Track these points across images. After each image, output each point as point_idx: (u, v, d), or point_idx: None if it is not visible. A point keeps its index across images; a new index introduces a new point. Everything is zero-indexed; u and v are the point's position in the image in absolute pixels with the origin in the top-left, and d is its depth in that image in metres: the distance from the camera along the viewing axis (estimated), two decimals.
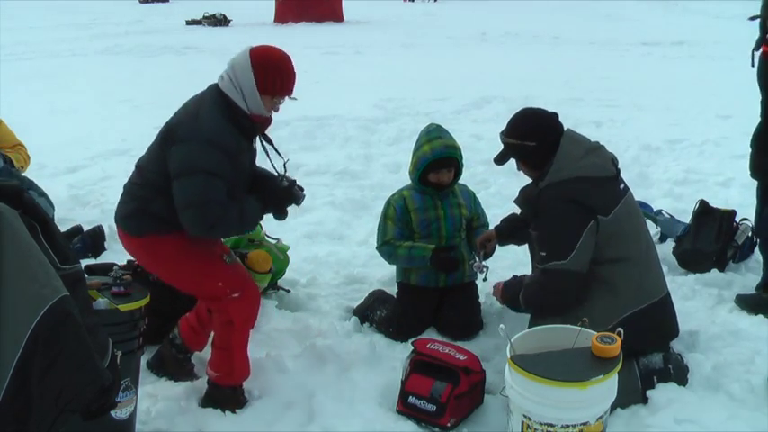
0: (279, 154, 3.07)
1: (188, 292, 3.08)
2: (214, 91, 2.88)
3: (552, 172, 2.96)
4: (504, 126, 3.17)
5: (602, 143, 3.16)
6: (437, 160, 3.52)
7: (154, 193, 2.87)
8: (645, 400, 2.87)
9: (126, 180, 3.06)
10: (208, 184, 2.74)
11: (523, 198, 3.15)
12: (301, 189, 3.07)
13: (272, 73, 2.82)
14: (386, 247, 3.63)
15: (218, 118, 2.78)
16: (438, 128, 3.64)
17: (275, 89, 2.84)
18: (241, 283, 2.95)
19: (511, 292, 3.17)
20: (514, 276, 3.31)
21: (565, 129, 3.11)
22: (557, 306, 2.96)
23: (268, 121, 2.96)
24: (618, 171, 3.06)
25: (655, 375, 2.92)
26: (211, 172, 2.73)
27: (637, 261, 2.96)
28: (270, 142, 3.08)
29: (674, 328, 3.12)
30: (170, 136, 2.80)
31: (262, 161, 3.12)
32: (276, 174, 3.08)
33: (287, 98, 2.93)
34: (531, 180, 3.17)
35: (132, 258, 3.75)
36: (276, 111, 2.94)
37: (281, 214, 3.07)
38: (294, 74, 2.91)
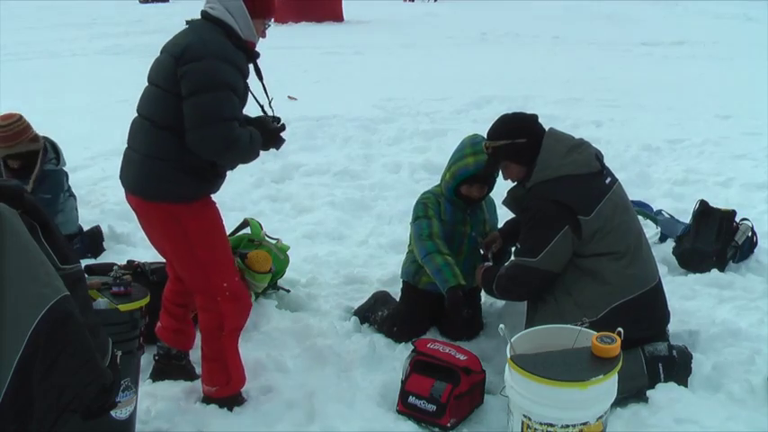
0: (266, 91, 2.97)
1: (188, 278, 2.91)
2: (203, 22, 2.81)
3: (537, 171, 3.02)
4: (486, 135, 3.20)
5: (601, 142, 3.17)
6: (477, 174, 3.42)
7: (181, 144, 2.68)
8: (651, 384, 2.91)
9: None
10: (229, 101, 2.68)
11: (512, 198, 3.22)
12: (283, 128, 2.99)
13: None
14: (430, 243, 3.44)
15: (224, 40, 2.75)
16: (484, 140, 3.43)
17: (263, 11, 2.86)
18: (241, 290, 2.96)
19: (488, 278, 3.24)
20: (496, 265, 3.37)
21: (547, 128, 3.16)
22: (518, 297, 3.27)
23: (256, 52, 2.91)
24: (602, 166, 3.09)
25: (660, 362, 2.95)
26: (231, 87, 2.69)
27: (624, 254, 3.00)
28: (260, 75, 2.97)
29: (666, 315, 3.17)
30: (182, 59, 2.66)
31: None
32: (265, 113, 2.99)
33: (272, 23, 2.94)
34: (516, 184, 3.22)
35: (132, 258, 3.76)
36: (263, 36, 2.92)
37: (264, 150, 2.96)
38: None
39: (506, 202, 3.26)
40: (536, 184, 3.02)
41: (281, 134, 2.98)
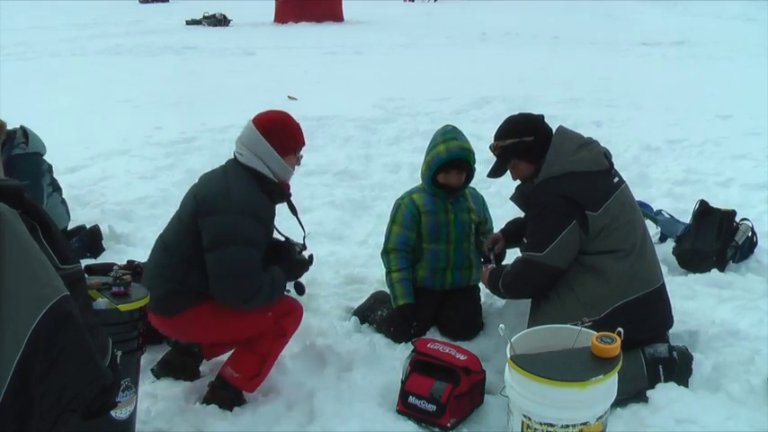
0: (301, 225, 3.15)
1: (243, 340, 3.00)
2: (236, 165, 2.93)
3: (545, 168, 3.03)
4: (493, 137, 3.22)
5: (601, 142, 3.18)
6: (450, 161, 3.50)
7: (188, 269, 2.87)
8: (651, 386, 2.90)
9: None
10: (249, 256, 2.81)
11: (520, 194, 3.22)
12: (311, 261, 3.19)
13: (283, 133, 2.94)
14: (384, 259, 3.67)
15: (251, 189, 2.87)
16: (454, 129, 3.62)
17: (293, 146, 2.97)
18: (287, 304, 3.04)
19: (494, 278, 3.25)
20: (502, 265, 3.37)
21: (557, 126, 3.17)
22: (524, 294, 3.22)
23: (288, 192, 3.07)
24: (611, 164, 3.09)
25: (660, 364, 2.95)
26: (251, 242, 2.82)
27: (629, 252, 2.99)
28: (294, 211, 3.14)
29: (669, 319, 3.17)
30: (203, 208, 2.82)
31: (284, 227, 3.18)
32: (291, 242, 3.15)
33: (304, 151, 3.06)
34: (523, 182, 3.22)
35: (132, 258, 3.77)
36: (299, 165, 3.06)
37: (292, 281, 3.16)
38: (299, 126, 3.03)
39: (514, 198, 3.26)
40: (544, 179, 3.02)
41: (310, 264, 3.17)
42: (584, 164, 3.01)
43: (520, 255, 3.14)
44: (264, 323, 2.93)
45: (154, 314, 2.90)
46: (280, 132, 2.92)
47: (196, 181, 3.05)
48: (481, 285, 3.72)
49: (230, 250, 2.78)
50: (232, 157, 2.97)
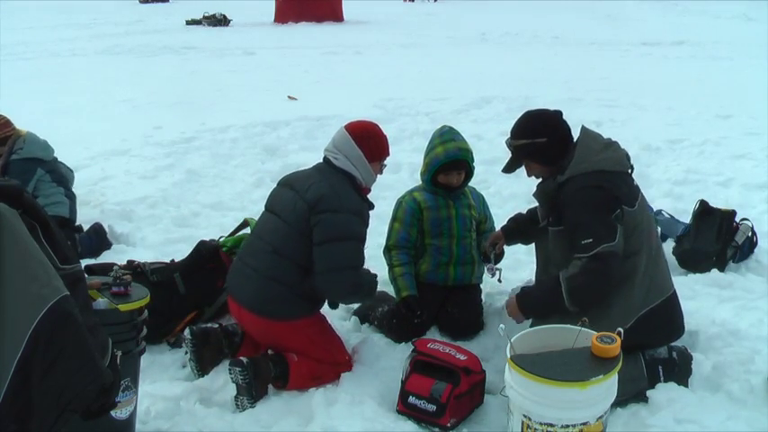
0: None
1: (316, 359, 3.09)
2: (329, 167, 3.13)
3: (573, 165, 2.97)
4: (509, 132, 3.19)
5: None
6: (449, 162, 3.52)
7: (304, 275, 3.00)
8: (651, 386, 2.89)
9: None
10: (359, 251, 3.05)
11: (542, 192, 3.14)
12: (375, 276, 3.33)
13: (373, 140, 3.17)
14: (386, 256, 3.67)
15: (353, 192, 3.09)
16: (451, 130, 3.64)
17: (380, 154, 3.19)
18: (350, 356, 3.23)
19: (531, 302, 3.01)
20: (521, 288, 3.24)
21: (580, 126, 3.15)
22: (602, 295, 2.85)
23: (371, 203, 3.22)
24: (632, 167, 3.09)
25: (660, 364, 2.94)
26: (360, 239, 3.05)
27: (649, 255, 2.97)
28: None
29: (682, 326, 3.12)
30: (317, 207, 2.97)
31: None
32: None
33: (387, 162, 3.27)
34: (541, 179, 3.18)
35: (132, 258, 3.76)
36: (381, 173, 3.26)
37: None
38: (386, 136, 3.25)
39: (536, 195, 3.18)
40: (575, 176, 2.94)
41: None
42: (611, 163, 2.97)
43: (578, 255, 2.82)
44: (341, 359, 3.13)
45: (256, 315, 3.04)
46: (369, 139, 3.14)
47: (279, 183, 3.25)
48: (483, 286, 3.73)
49: (344, 245, 2.97)
50: (321, 160, 3.19)
